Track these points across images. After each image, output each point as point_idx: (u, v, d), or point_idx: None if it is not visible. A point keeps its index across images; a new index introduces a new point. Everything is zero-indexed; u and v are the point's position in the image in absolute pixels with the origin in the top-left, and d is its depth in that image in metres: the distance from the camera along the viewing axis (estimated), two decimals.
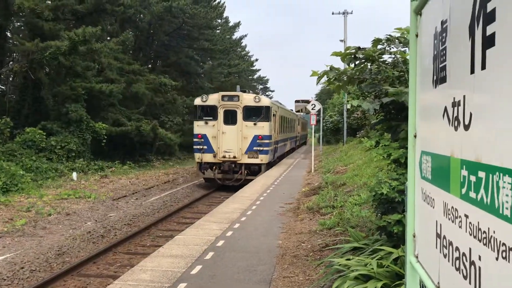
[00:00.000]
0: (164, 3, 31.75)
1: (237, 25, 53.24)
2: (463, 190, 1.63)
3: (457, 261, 1.69)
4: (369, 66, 6.69)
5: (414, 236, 2.51)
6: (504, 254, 1.26)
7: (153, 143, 31.12)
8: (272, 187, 15.72)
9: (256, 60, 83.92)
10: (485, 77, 1.44)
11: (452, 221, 1.77)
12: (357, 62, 6.61)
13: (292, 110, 39.10)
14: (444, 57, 1.92)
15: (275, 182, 17.08)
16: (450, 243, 1.80)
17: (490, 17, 1.37)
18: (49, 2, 23.88)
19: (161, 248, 7.88)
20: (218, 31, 43.68)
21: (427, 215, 2.24)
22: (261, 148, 19.47)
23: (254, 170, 19.62)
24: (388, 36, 6.32)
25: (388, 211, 5.63)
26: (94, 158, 24.74)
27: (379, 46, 6.43)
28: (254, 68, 71.30)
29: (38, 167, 19.63)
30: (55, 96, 24.28)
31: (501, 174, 1.29)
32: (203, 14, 34.94)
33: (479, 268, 1.46)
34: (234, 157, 19.34)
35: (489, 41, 1.39)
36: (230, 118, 19.40)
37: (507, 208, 1.25)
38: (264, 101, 20.36)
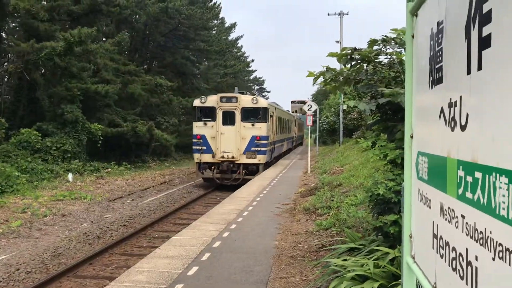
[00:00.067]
0: (160, 4, 31.71)
1: (233, 26, 53.29)
2: (460, 191, 1.64)
3: (454, 262, 1.70)
4: (365, 67, 6.71)
5: (410, 237, 2.51)
6: (500, 255, 1.27)
7: (149, 144, 31.06)
8: (269, 187, 15.72)
9: (252, 60, 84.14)
10: (481, 78, 1.44)
11: (449, 222, 1.78)
12: (353, 63, 6.62)
13: (288, 111, 39.19)
14: (440, 58, 1.92)
15: (272, 183, 17.08)
16: (447, 244, 1.80)
17: (486, 18, 1.38)
18: (45, 2, 23.80)
19: (157, 249, 7.87)
20: (214, 32, 43.69)
21: (423, 216, 2.24)
22: (259, 149, 19.81)
23: (252, 170, 19.94)
24: (383, 37, 6.34)
25: (384, 212, 5.64)
26: (89, 159, 24.67)
27: (375, 47, 6.45)
28: (250, 68, 71.36)
29: (34, 168, 19.55)
30: (51, 97, 24.19)
31: (498, 175, 1.30)
32: (199, 15, 34.92)
33: (476, 268, 1.47)
34: (233, 157, 19.63)
35: (485, 42, 1.39)
36: (228, 119, 19.73)
37: (503, 209, 1.26)
38: (262, 102, 20.77)
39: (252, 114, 19.89)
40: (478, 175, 1.46)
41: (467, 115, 1.57)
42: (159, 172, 26.20)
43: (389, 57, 6.56)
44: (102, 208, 14.65)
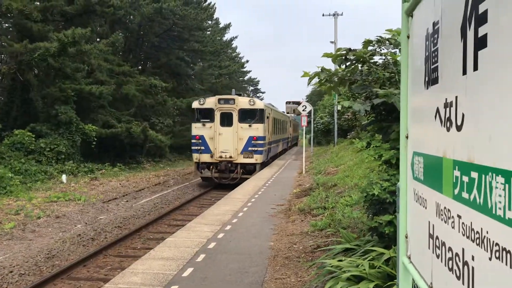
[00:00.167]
0: (154, 4, 31.63)
1: (228, 26, 53.19)
2: (456, 191, 1.64)
3: (450, 262, 1.70)
4: (360, 67, 6.72)
5: (406, 237, 2.52)
6: (497, 254, 1.27)
7: (143, 145, 30.94)
8: (264, 188, 15.72)
9: (247, 61, 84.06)
10: (477, 78, 1.44)
11: (445, 222, 1.78)
12: (348, 64, 6.63)
13: (283, 112, 39.32)
14: (436, 58, 1.93)
15: (267, 183, 17.08)
16: (443, 244, 1.80)
17: (482, 19, 1.38)
18: (38, 3, 23.67)
19: (152, 250, 7.84)
20: (208, 32, 43.62)
21: (419, 216, 2.24)
22: (256, 149, 20.40)
23: (250, 169, 20.56)
24: (378, 38, 6.35)
25: (379, 212, 5.65)
26: (84, 160, 24.55)
27: (370, 48, 6.46)
28: (244, 69, 71.23)
29: (27, 170, 19.43)
30: (44, 98, 24.05)
31: (494, 175, 1.30)
32: (194, 16, 34.84)
33: (472, 268, 1.47)
34: (230, 157, 20.19)
35: (481, 42, 1.39)
36: (226, 120, 20.35)
37: (500, 208, 1.26)
38: (259, 104, 21.36)
39: (249, 115, 20.47)
40: (474, 175, 1.46)
41: (463, 115, 1.57)
42: (153, 173, 26.13)
43: (383, 57, 6.58)
44: (96, 210, 14.58)
